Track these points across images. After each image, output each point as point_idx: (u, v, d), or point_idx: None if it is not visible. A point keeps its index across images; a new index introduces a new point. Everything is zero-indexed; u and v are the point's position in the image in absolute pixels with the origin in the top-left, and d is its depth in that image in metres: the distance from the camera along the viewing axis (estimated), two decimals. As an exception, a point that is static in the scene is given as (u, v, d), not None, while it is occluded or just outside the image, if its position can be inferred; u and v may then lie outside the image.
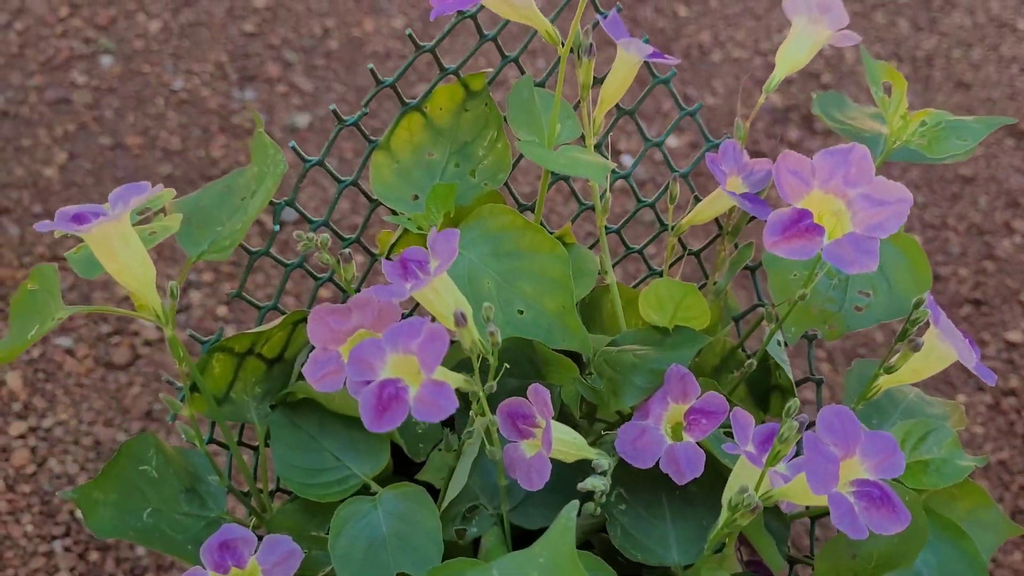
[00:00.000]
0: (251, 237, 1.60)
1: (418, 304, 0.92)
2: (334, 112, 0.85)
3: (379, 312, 0.79)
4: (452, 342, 0.79)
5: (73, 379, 1.43)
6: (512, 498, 0.85)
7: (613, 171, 0.87)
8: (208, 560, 0.74)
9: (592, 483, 0.78)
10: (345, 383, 0.77)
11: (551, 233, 0.93)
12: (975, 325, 1.61)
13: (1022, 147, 1.86)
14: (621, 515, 0.84)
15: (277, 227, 0.86)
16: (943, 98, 1.92)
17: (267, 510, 0.90)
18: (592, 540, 0.90)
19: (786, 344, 0.90)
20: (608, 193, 0.88)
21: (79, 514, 1.30)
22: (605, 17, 0.85)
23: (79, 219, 0.69)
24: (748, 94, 1.90)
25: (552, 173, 0.93)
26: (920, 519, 0.77)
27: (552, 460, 0.78)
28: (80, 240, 0.76)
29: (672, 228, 0.93)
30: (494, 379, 0.74)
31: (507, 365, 0.83)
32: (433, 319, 0.75)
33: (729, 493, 0.77)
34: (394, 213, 0.87)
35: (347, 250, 0.81)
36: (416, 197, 0.88)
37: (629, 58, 0.84)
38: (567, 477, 0.84)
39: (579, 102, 0.85)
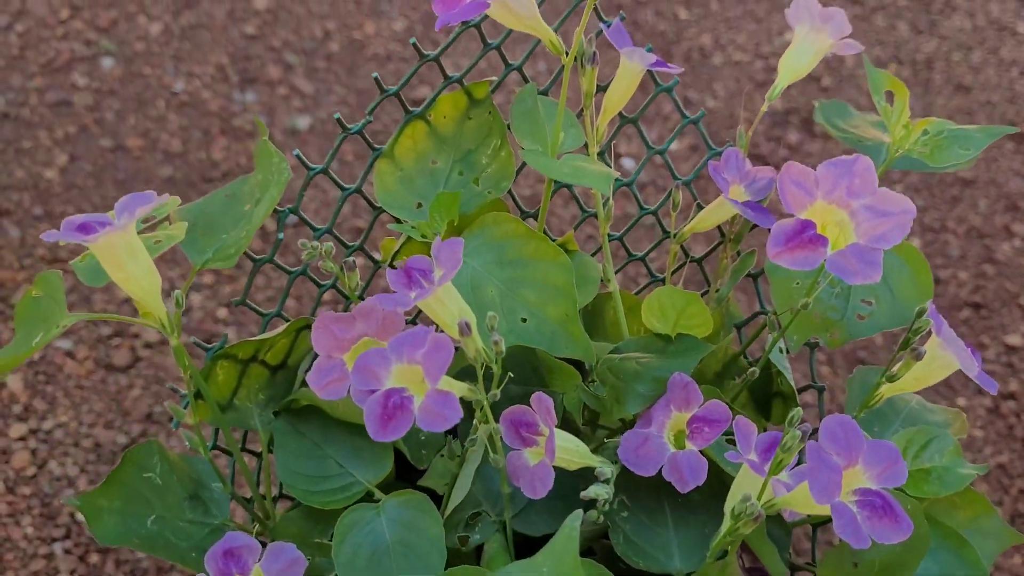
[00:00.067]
0: (252, 240, 1.61)
1: (421, 310, 0.92)
2: (338, 121, 0.85)
3: (383, 320, 0.79)
4: (455, 348, 0.79)
5: (73, 381, 1.43)
6: (515, 505, 0.85)
7: (616, 179, 0.87)
8: (212, 568, 0.75)
9: (595, 491, 0.78)
10: (349, 391, 0.77)
11: (554, 240, 0.93)
12: (974, 329, 1.61)
13: (1022, 151, 1.87)
14: (623, 522, 0.84)
15: (281, 235, 0.87)
16: (943, 101, 1.93)
17: (270, 516, 0.90)
18: (594, 547, 0.90)
19: (788, 351, 0.90)
20: (611, 201, 0.88)
21: (79, 516, 1.30)
22: (609, 26, 0.86)
23: (85, 229, 0.69)
24: (749, 98, 1.90)
25: (555, 181, 0.94)
26: (922, 528, 0.77)
27: (555, 467, 0.78)
28: (85, 247, 0.76)
29: (674, 235, 0.93)
30: (498, 387, 0.74)
31: (510, 374, 0.83)
32: (437, 327, 0.75)
33: (732, 501, 0.77)
34: (398, 221, 0.88)
35: (351, 259, 0.81)
36: (420, 205, 0.88)
37: (632, 67, 0.85)
38: (570, 484, 0.84)
39: (582, 110, 0.86)
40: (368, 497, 0.84)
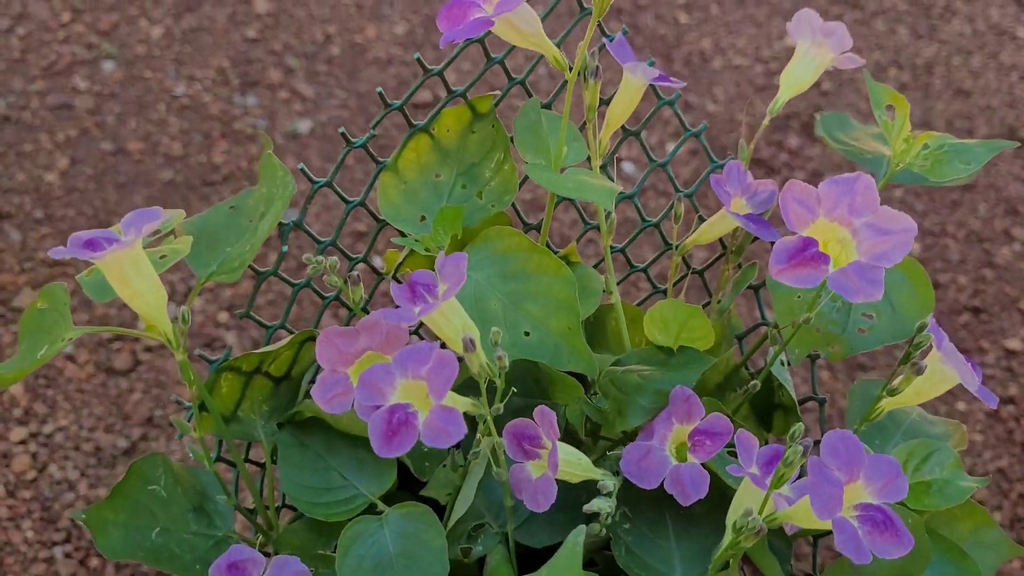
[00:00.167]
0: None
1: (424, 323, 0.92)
2: (343, 135, 0.86)
3: (387, 334, 0.80)
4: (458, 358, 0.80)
5: (74, 385, 1.43)
6: (517, 516, 0.86)
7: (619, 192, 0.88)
8: (217, 581, 0.75)
9: (598, 505, 0.78)
10: (353, 404, 0.78)
11: (556, 252, 0.94)
12: (974, 333, 1.62)
13: (1022, 156, 1.87)
14: (625, 534, 0.84)
15: (285, 248, 0.87)
16: (943, 105, 1.93)
17: (273, 527, 0.90)
18: (596, 559, 0.91)
19: (789, 363, 0.91)
20: (613, 215, 0.88)
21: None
22: (611, 40, 0.86)
23: (92, 245, 0.70)
24: (749, 102, 1.91)
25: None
26: (923, 542, 0.77)
27: (557, 480, 0.78)
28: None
29: (676, 247, 0.94)
30: (501, 402, 0.75)
31: (513, 389, 0.83)
32: (442, 344, 0.76)
33: (733, 515, 0.78)
34: (401, 234, 0.88)
35: (355, 272, 0.81)
36: (423, 218, 0.88)
37: (635, 81, 0.85)
38: (572, 496, 0.84)
39: (585, 123, 0.86)
40: (371, 509, 0.84)
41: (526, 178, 0.87)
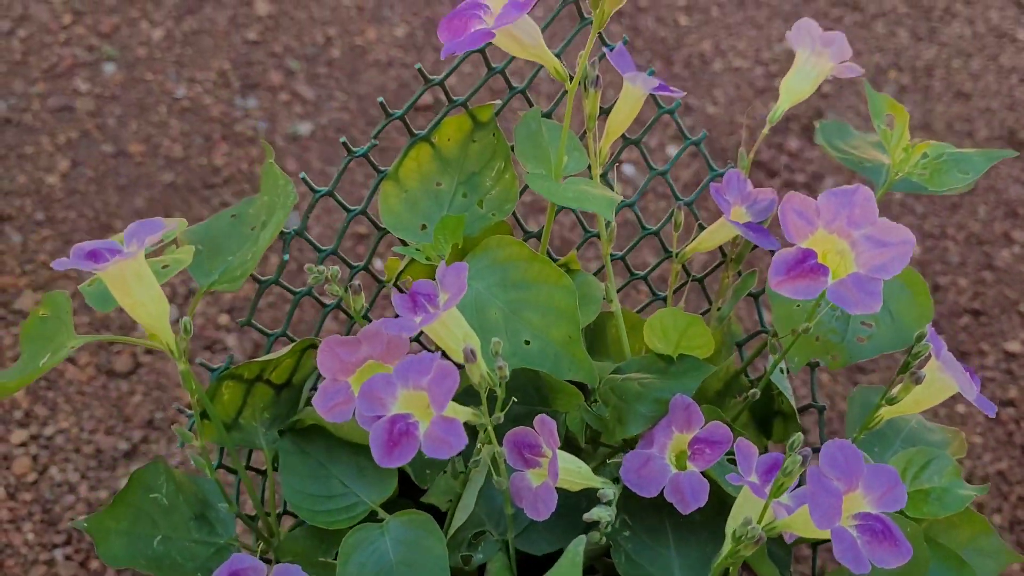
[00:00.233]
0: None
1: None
2: (344, 144, 0.86)
3: (388, 344, 0.80)
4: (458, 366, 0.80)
5: (74, 387, 1.44)
6: (517, 524, 0.86)
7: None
8: (218, 590, 0.75)
9: (598, 513, 0.79)
10: (354, 414, 0.78)
11: (556, 260, 0.94)
12: (974, 335, 1.62)
13: (1021, 158, 1.87)
14: (625, 542, 0.85)
15: (287, 256, 0.87)
16: (942, 108, 1.93)
17: (274, 534, 0.91)
18: (596, 565, 0.91)
19: (789, 372, 0.91)
20: (613, 223, 0.89)
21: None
22: (612, 50, 0.86)
23: (95, 256, 0.70)
24: (749, 105, 1.91)
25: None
26: (921, 551, 0.78)
27: (557, 488, 0.79)
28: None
29: (676, 255, 0.94)
30: (501, 411, 0.75)
31: (514, 399, 0.84)
32: (443, 354, 0.76)
33: (733, 523, 0.78)
34: (402, 243, 0.88)
35: (356, 282, 0.82)
36: (424, 227, 0.88)
37: (635, 91, 0.85)
38: (572, 503, 0.85)
39: (585, 132, 0.86)
40: (372, 516, 0.85)
41: (527, 187, 0.88)
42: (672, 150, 1.81)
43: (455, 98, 0.90)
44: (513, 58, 0.87)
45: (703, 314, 1.01)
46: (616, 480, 0.84)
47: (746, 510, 0.77)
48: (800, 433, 0.70)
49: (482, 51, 0.90)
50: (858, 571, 0.69)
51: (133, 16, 1.91)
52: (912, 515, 0.82)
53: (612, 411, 0.85)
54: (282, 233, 0.87)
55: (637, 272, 1.04)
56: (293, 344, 0.88)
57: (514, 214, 0.97)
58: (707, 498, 0.81)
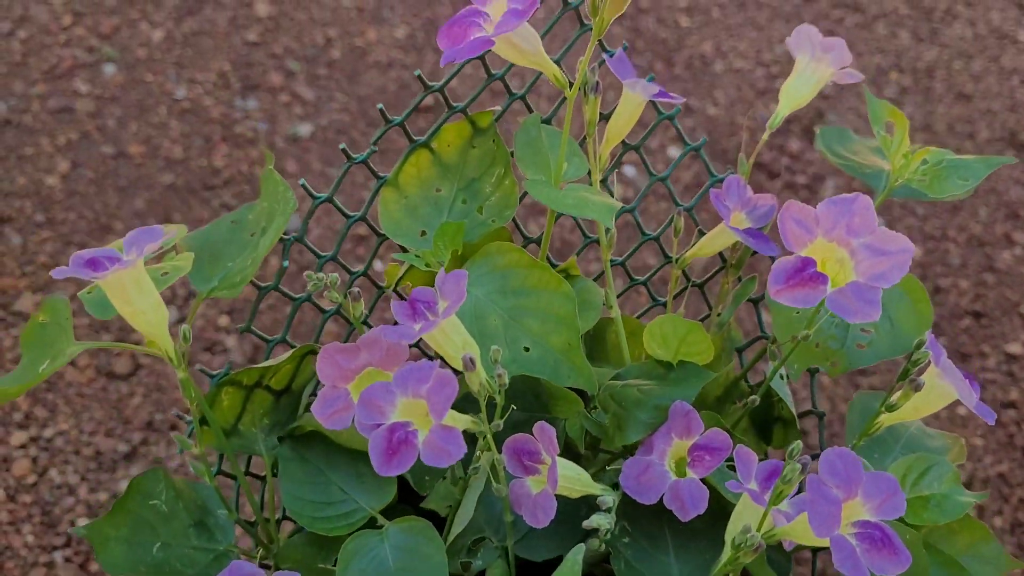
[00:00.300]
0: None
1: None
2: (343, 150, 0.86)
3: (387, 351, 0.80)
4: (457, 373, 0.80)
5: (74, 389, 1.44)
6: (517, 530, 0.86)
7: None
8: (218, 597, 0.75)
9: (598, 520, 0.79)
10: (353, 421, 0.78)
11: (556, 265, 0.94)
12: (975, 337, 1.62)
13: (1023, 159, 1.87)
14: (625, 548, 0.85)
15: (286, 263, 0.87)
16: (943, 109, 1.93)
17: (274, 541, 0.91)
18: (595, 572, 0.91)
19: (788, 378, 0.91)
20: (613, 229, 0.89)
21: (79, 522, 1.31)
22: (611, 56, 0.86)
23: (94, 264, 0.70)
24: (749, 106, 1.91)
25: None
26: (921, 559, 0.78)
27: (557, 495, 0.79)
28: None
29: (676, 260, 0.94)
30: (501, 418, 0.75)
31: (513, 407, 0.84)
32: (443, 361, 0.76)
33: (732, 530, 0.78)
34: (402, 249, 0.88)
35: (356, 289, 0.82)
36: (424, 233, 0.88)
37: (635, 97, 0.85)
38: (572, 510, 0.85)
39: (584, 137, 0.86)
40: (371, 523, 0.85)
41: (526, 193, 0.88)
42: (673, 151, 1.81)
43: (455, 104, 0.90)
44: (513, 64, 0.87)
45: (703, 319, 1.01)
46: (615, 487, 0.84)
47: (745, 517, 0.77)
48: (799, 441, 0.70)
49: (482, 57, 0.90)
50: (857, 579, 0.69)
51: (133, 17, 1.91)
52: (912, 522, 0.82)
53: (612, 418, 0.85)
54: (282, 238, 0.87)
55: (637, 278, 1.04)
56: (293, 350, 0.88)
57: (514, 219, 0.97)
58: (707, 505, 0.81)
